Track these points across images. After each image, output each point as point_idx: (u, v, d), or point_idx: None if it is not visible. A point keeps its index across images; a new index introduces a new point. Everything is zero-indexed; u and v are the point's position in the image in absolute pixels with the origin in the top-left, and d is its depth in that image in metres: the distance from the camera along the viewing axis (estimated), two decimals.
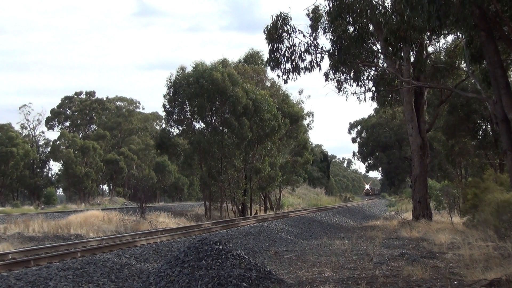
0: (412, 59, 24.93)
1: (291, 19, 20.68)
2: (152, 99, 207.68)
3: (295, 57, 20.82)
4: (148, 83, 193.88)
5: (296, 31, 20.82)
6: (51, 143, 68.95)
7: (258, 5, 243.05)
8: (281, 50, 20.71)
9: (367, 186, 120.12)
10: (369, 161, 79.25)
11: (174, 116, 35.19)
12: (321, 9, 23.24)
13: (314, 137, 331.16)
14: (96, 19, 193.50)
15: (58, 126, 79.75)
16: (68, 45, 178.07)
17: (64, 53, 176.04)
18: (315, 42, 21.60)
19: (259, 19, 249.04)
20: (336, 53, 19.94)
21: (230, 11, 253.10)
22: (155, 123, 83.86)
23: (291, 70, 20.85)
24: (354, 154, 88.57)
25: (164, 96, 34.49)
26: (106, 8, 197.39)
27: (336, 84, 23.66)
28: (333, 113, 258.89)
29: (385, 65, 23.48)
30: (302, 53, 20.97)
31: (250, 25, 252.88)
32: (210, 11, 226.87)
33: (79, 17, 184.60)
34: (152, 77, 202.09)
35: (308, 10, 23.81)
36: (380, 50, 22.73)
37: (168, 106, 34.61)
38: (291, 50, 20.76)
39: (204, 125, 35.00)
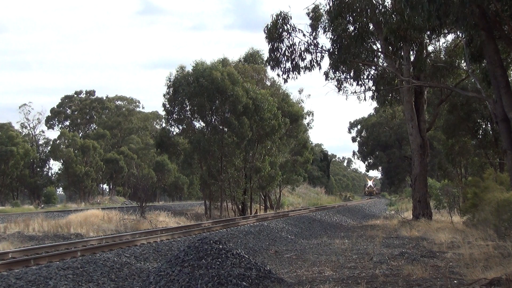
0: (412, 58, 24.93)
1: (291, 18, 20.71)
2: (152, 98, 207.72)
3: (295, 56, 20.83)
4: (150, 82, 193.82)
5: (296, 30, 20.84)
6: (51, 142, 68.92)
7: (262, 3, 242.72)
8: (281, 49, 20.72)
9: (369, 183, 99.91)
10: (369, 160, 79.19)
11: (174, 115, 35.17)
12: (321, 8, 23.31)
13: (314, 136, 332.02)
14: (99, 18, 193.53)
15: (58, 125, 79.72)
16: (70, 44, 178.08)
17: (65, 51, 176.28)
18: (315, 41, 21.64)
19: (262, 17, 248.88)
20: (336, 52, 19.95)
21: (234, 9, 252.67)
22: (155, 122, 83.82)
23: (291, 69, 20.86)
24: (354, 153, 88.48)
25: (164, 95, 34.51)
26: (110, 7, 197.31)
27: (336, 83, 23.70)
28: (333, 112, 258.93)
29: (385, 64, 23.47)
30: (302, 52, 20.99)
31: (253, 24, 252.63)
32: (214, 10, 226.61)
33: (82, 16, 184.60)
34: (154, 76, 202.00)
35: (308, 9, 23.88)
36: (380, 49, 22.73)
37: (168, 105, 34.60)
38: (291, 49, 20.77)
39: (204, 124, 35.00)
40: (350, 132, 79.75)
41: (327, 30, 21.63)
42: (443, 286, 8.61)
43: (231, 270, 9.31)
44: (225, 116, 33.51)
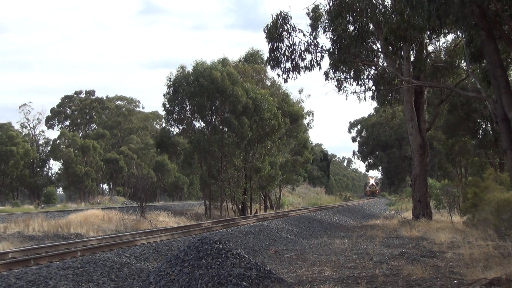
0: (412, 58, 24.93)
1: (291, 18, 20.70)
2: (152, 98, 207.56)
3: (295, 56, 20.82)
4: (150, 82, 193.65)
5: (296, 30, 20.83)
6: (51, 142, 68.95)
7: (263, 3, 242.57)
8: (281, 49, 20.71)
9: (371, 181, 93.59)
10: (369, 160, 79.23)
11: (174, 115, 35.20)
12: (321, 8, 23.34)
13: (314, 136, 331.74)
14: (99, 18, 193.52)
15: (58, 125, 79.75)
16: (70, 44, 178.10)
17: (66, 51, 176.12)
18: (315, 41, 21.63)
19: (263, 17, 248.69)
20: (336, 52, 19.94)
21: (235, 9, 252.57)
22: (155, 122, 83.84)
23: (291, 69, 20.86)
24: (354, 153, 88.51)
25: (164, 95, 34.53)
26: (110, 7, 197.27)
27: (336, 83, 23.70)
28: (333, 112, 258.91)
29: (385, 64, 23.47)
30: (302, 52, 20.98)
31: (254, 24, 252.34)
32: (215, 9, 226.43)
33: (82, 16, 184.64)
34: (155, 76, 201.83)
35: (308, 9, 23.91)
36: (380, 49, 22.73)
37: (168, 105, 34.62)
38: (291, 49, 20.77)
39: (204, 124, 35.00)
40: (350, 132, 79.87)
41: (327, 30, 21.63)
42: (443, 286, 8.61)
43: (231, 270, 9.31)
44: (225, 116, 33.52)
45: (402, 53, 23.57)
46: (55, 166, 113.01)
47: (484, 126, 32.55)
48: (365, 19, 19.95)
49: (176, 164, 56.13)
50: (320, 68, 21.38)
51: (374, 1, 20.19)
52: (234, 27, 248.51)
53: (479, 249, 13.19)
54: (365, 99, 42.43)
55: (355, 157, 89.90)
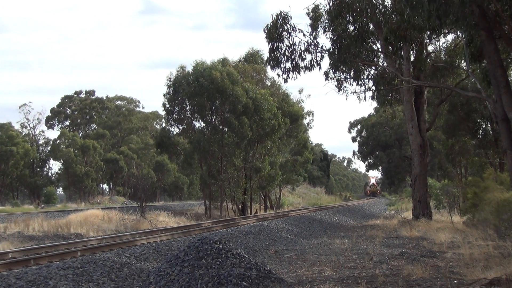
0: (412, 58, 24.94)
1: (291, 18, 20.67)
2: (152, 98, 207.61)
3: (295, 56, 20.81)
4: (150, 82, 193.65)
5: (296, 30, 20.81)
6: (51, 142, 68.93)
7: (263, 3, 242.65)
8: (281, 49, 20.70)
9: (372, 181, 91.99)
10: (369, 160, 79.20)
11: (174, 115, 35.22)
12: (321, 8, 23.33)
13: (314, 136, 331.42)
14: (99, 18, 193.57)
15: (58, 125, 79.67)
16: (70, 44, 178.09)
17: (66, 51, 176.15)
18: (315, 41, 21.62)
19: (264, 17, 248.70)
20: (336, 52, 19.93)
21: (235, 9, 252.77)
22: (155, 122, 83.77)
23: (291, 69, 20.85)
24: (354, 153, 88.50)
25: (164, 95, 34.55)
26: (110, 6, 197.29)
27: (336, 83, 23.68)
28: (333, 112, 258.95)
29: (385, 64, 23.46)
30: (302, 52, 20.97)
31: (255, 24, 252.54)
32: (215, 9, 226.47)
33: (82, 16, 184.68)
34: (155, 76, 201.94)
35: (308, 9, 23.92)
36: (380, 49, 22.72)
37: (168, 105, 34.64)
38: (291, 49, 20.75)
39: (204, 124, 35.01)
40: (350, 132, 79.81)
41: (327, 30, 21.62)
42: (443, 286, 8.61)
43: (231, 270, 9.31)
44: (225, 116, 33.52)
45: (402, 53, 23.58)
46: (55, 166, 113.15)
47: (484, 126, 32.56)
48: (365, 19, 19.95)
49: (176, 164, 56.12)
50: (320, 68, 21.39)
51: (374, 1, 20.20)
52: (234, 27, 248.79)
53: (479, 249, 13.19)
54: (365, 99, 42.47)
55: (355, 157, 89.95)
